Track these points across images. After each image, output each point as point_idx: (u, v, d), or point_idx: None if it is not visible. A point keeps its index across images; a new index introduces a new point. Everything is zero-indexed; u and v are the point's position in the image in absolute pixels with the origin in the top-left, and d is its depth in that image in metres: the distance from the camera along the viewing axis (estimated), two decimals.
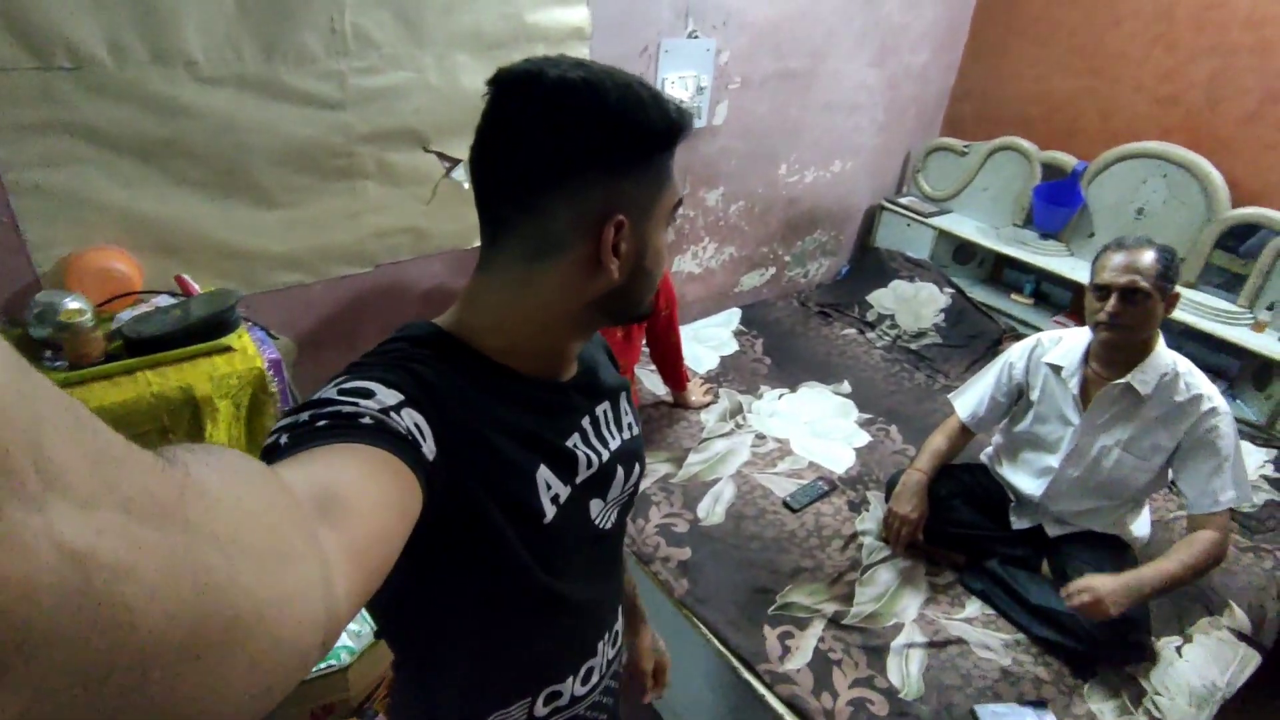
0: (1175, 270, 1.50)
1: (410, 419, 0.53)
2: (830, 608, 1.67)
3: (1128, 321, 1.51)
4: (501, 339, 0.64)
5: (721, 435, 2.23)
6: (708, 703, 1.69)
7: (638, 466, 0.81)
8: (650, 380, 2.42)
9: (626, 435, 0.79)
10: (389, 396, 0.53)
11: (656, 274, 0.67)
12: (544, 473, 0.65)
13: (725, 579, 1.72)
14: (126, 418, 1.38)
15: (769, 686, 1.50)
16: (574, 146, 0.58)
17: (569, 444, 0.69)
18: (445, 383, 0.58)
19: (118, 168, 1.56)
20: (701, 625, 1.64)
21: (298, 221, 1.83)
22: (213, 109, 1.61)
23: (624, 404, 0.80)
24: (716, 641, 1.60)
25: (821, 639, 1.59)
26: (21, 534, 0.19)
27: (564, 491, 0.67)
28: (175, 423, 1.44)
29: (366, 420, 0.49)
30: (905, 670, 1.54)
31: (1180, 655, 1.63)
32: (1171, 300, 1.52)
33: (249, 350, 1.54)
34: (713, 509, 1.93)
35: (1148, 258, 1.49)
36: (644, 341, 2.21)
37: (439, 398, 0.57)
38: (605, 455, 0.74)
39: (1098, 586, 1.46)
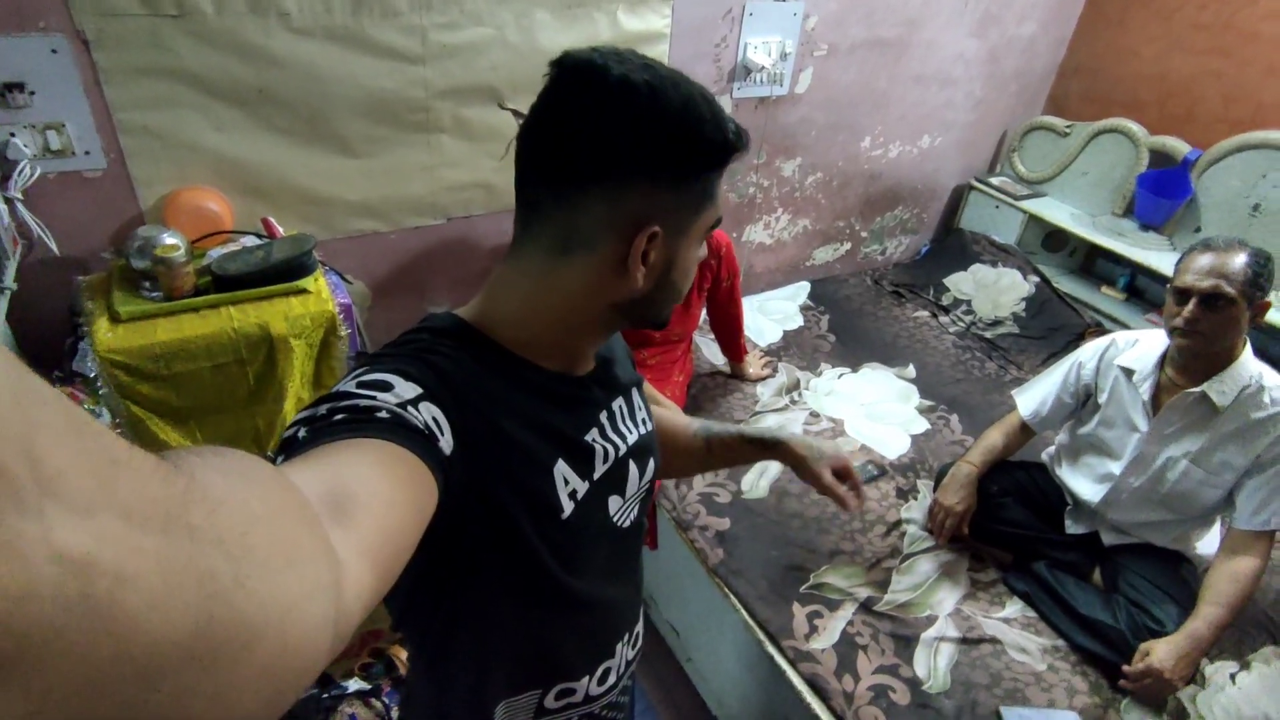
0: (1268, 277, 1.39)
1: (428, 413, 0.52)
2: (864, 592, 1.66)
3: (1205, 329, 1.41)
4: (522, 332, 0.64)
5: (775, 410, 2.23)
6: (733, 670, 1.73)
7: (651, 461, 0.81)
8: (709, 349, 2.42)
9: (642, 430, 0.79)
10: (407, 390, 0.53)
11: (682, 288, 0.67)
12: (562, 468, 0.65)
13: (761, 553, 1.73)
14: (209, 349, 1.49)
15: (791, 663, 1.52)
16: (623, 148, 0.57)
17: (587, 438, 0.69)
18: (465, 375, 0.58)
19: (214, 112, 1.66)
20: (732, 596, 1.66)
21: (375, 171, 1.90)
22: (301, 59, 1.68)
23: (637, 398, 0.80)
24: (745, 613, 1.63)
25: (850, 622, 1.60)
26: (19, 542, 0.19)
27: (582, 487, 0.67)
28: (252, 357, 1.54)
29: (384, 415, 0.49)
30: (933, 663, 1.53)
31: (1234, 682, 1.55)
32: (1260, 309, 1.41)
33: (323, 294, 1.63)
34: (756, 483, 1.94)
35: (1237, 262, 1.38)
36: (704, 310, 2.21)
37: (458, 390, 0.57)
38: (623, 449, 0.74)
39: (1158, 665, 1.40)
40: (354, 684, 1.70)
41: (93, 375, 1.43)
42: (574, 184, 0.59)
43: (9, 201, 1.46)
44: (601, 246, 0.60)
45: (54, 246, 1.55)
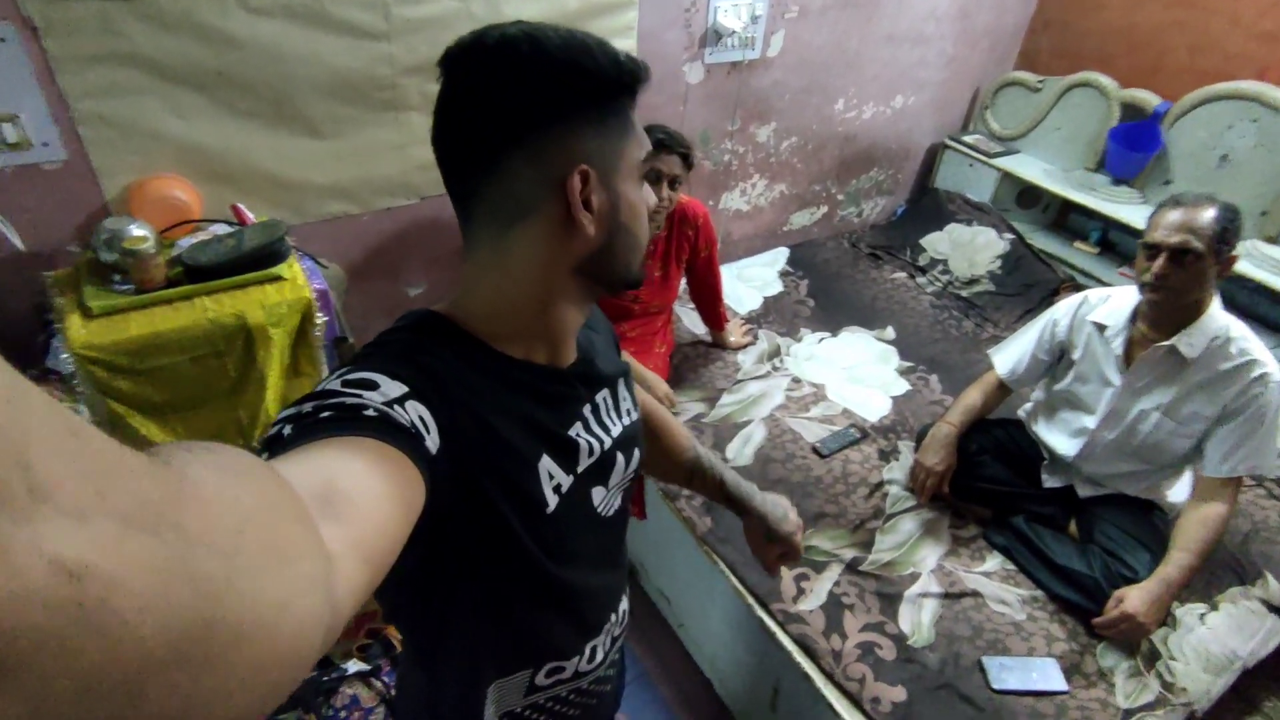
0: (1235, 231, 1.42)
1: (414, 411, 0.53)
2: (849, 553, 1.71)
3: (1174, 284, 1.45)
4: (499, 324, 0.64)
5: (757, 377, 2.25)
6: (724, 635, 1.77)
7: (637, 451, 0.81)
8: (689, 319, 2.43)
9: (627, 420, 0.79)
10: (393, 388, 0.53)
11: (637, 231, 0.66)
12: (546, 463, 0.65)
13: None
14: (185, 342, 1.47)
15: (781, 625, 1.56)
16: (524, 100, 0.57)
17: (571, 433, 0.69)
18: (450, 372, 0.59)
19: (174, 97, 1.61)
20: (720, 562, 1.70)
21: (344, 153, 1.86)
22: (261, 40, 1.63)
23: (623, 389, 0.80)
24: (734, 579, 1.66)
25: (837, 583, 1.64)
26: (11, 548, 0.19)
27: (566, 481, 0.68)
28: (230, 348, 1.53)
29: (370, 413, 0.49)
30: (917, 618, 1.58)
31: (1203, 622, 1.62)
32: (1227, 263, 1.44)
33: (298, 280, 1.61)
34: (741, 450, 1.97)
35: (1205, 216, 1.41)
36: (684, 280, 2.21)
37: (444, 388, 0.57)
38: (607, 442, 0.74)
39: (1131, 610, 1.46)
40: (353, 665, 1.72)
41: (68, 372, 1.41)
42: (494, 156, 0.59)
43: None
44: (543, 207, 0.60)
45: (17, 242, 1.51)
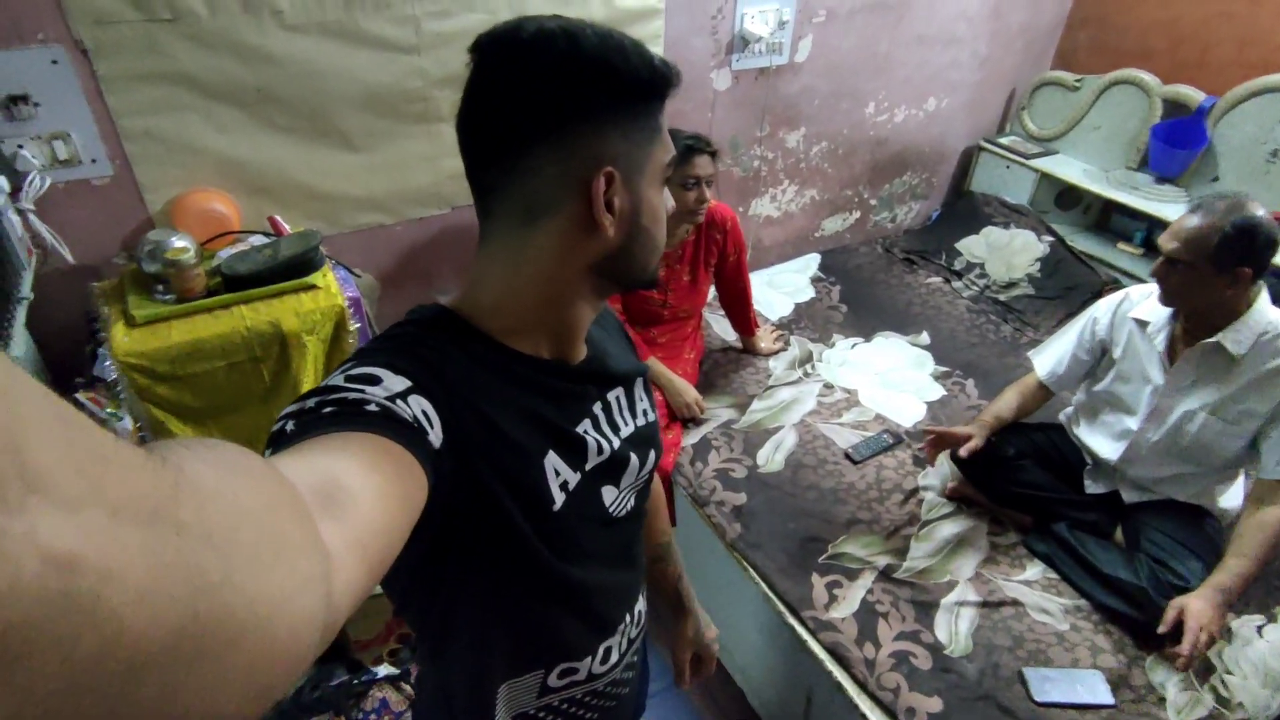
0: (1254, 247, 1.37)
1: (418, 406, 0.52)
2: (883, 560, 1.67)
3: (1171, 288, 1.45)
4: (508, 319, 0.64)
5: (788, 384, 2.22)
6: (756, 643, 1.75)
7: (652, 453, 0.80)
8: (719, 325, 2.42)
9: (641, 421, 0.78)
10: (396, 383, 0.53)
11: (657, 235, 0.66)
12: (552, 459, 0.65)
13: (778, 526, 1.74)
14: (223, 348, 1.51)
15: (812, 633, 1.53)
16: (555, 95, 0.57)
17: (578, 430, 0.68)
18: (454, 367, 0.58)
19: (215, 114, 1.67)
20: (751, 569, 1.67)
21: (378, 165, 1.91)
22: (297, 56, 1.68)
23: (639, 390, 0.79)
24: (764, 586, 1.64)
25: (870, 590, 1.60)
26: (3, 539, 0.19)
27: (573, 478, 0.67)
28: (266, 354, 1.57)
29: (372, 408, 0.49)
30: (954, 627, 1.54)
31: (1260, 635, 1.54)
32: (1239, 277, 1.39)
33: (332, 288, 1.65)
34: (772, 456, 1.94)
35: (1204, 227, 1.38)
36: (713, 285, 2.20)
37: (448, 383, 0.56)
38: (617, 442, 0.73)
39: (1204, 621, 1.36)
40: (384, 669, 1.74)
41: (112, 379, 1.46)
42: (520, 150, 0.58)
43: (21, 213, 1.49)
44: (564, 205, 0.60)
45: (67, 255, 1.58)
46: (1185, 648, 1.34)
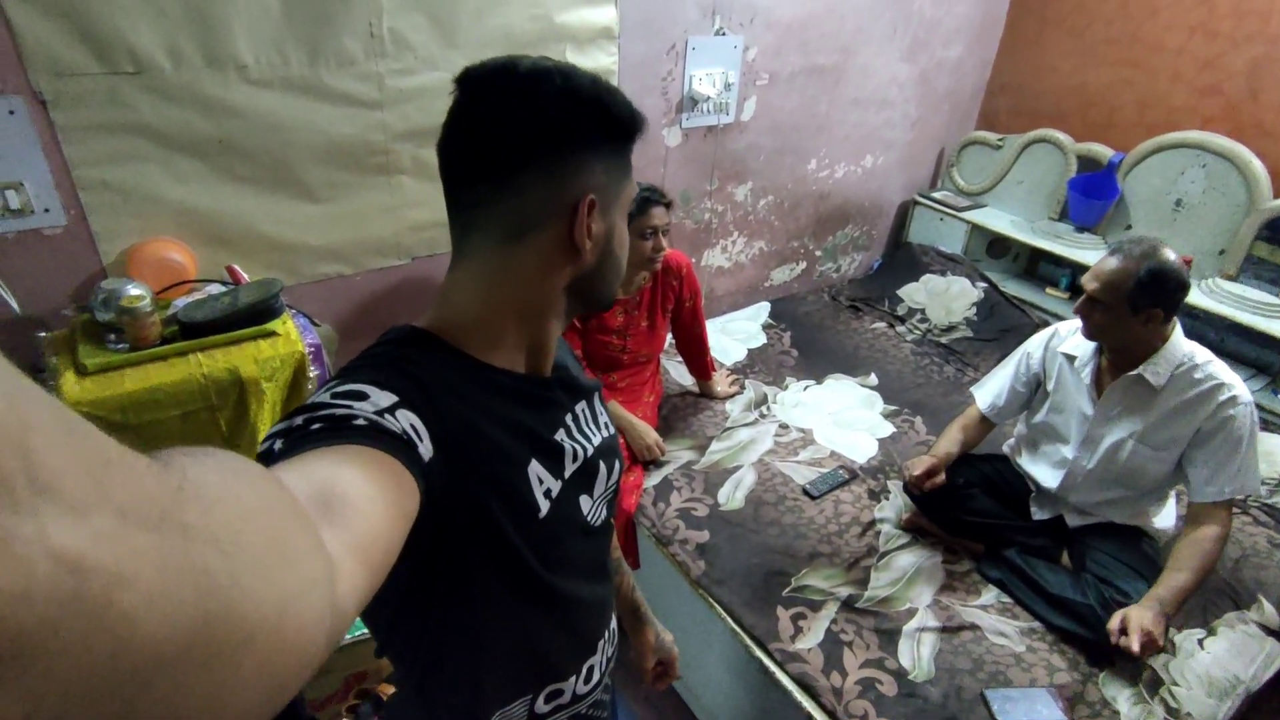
0: (1165, 290, 1.48)
1: (406, 420, 0.53)
2: (845, 591, 1.70)
3: (1092, 325, 1.57)
4: (485, 335, 0.66)
5: (745, 424, 2.27)
6: (723, 682, 1.74)
7: (618, 463, 0.83)
8: (676, 370, 2.47)
9: (606, 433, 0.81)
10: (383, 398, 0.53)
11: (622, 259, 0.71)
12: (535, 467, 0.67)
13: (742, 562, 1.76)
14: (179, 396, 1.48)
15: (780, 665, 1.54)
16: (554, 122, 0.61)
17: (557, 437, 0.71)
18: (437, 380, 0.60)
19: (175, 165, 1.68)
20: (716, 605, 1.68)
21: (338, 216, 1.93)
22: (261, 110, 1.71)
23: (597, 404, 0.83)
24: (731, 621, 1.65)
25: (834, 620, 1.63)
26: (14, 542, 0.19)
27: (555, 486, 0.69)
28: (223, 402, 1.54)
29: (361, 422, 0.50)
30: (916, 653, 1.57)
31: (1202, 647, 1.61)
32: (1151, 318, 1.51)
33: (292, 335, 1.64)
34: (733, 495, 1.98)
35: (1120, 269, 1.50)
36: (669, 331, 2.26)
37: (433, 396, 0.58)
38: (590, 449, 0.76)
39: (1147, 626, 1.42)
40: None
41: None
42: (512, 168, 0.62)
43: None
44: (549, 225, 0.64)
45: (15, 306, 1.54)
46: (1134, 644, 1.40)
